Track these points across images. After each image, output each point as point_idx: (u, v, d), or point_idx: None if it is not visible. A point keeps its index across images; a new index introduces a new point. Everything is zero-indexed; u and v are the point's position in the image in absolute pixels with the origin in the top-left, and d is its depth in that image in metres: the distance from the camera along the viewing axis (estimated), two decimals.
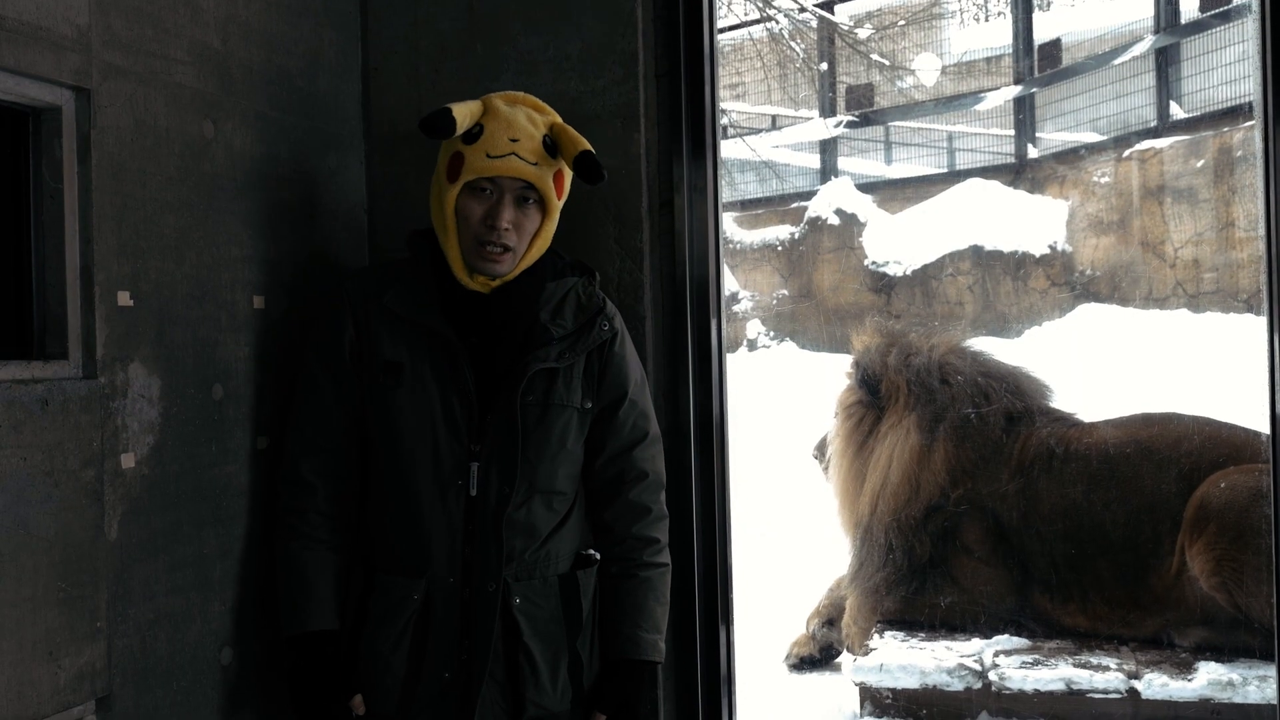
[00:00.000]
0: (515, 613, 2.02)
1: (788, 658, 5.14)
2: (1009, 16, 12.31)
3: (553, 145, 2.03)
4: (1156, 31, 10.32)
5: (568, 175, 2.07)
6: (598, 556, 2.16)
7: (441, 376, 2.02)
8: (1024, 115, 11.49)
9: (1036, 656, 4.35)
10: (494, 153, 1.98)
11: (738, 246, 11.73)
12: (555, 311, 2.09)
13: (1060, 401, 5.04)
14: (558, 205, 2.06)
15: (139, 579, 1.88)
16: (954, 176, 11.74)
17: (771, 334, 11.30)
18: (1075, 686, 4.14)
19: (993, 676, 4.25)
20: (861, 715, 4.40)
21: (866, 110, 12.85)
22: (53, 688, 1.71)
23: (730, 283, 11.48)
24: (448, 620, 2.01)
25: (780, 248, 11.58)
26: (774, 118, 13.52)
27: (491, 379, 2.04)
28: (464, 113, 1.98)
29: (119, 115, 1.86)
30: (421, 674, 2.02)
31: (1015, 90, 11.58)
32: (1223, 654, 4.23)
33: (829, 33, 12.32)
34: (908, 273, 10.61)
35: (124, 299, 1.85)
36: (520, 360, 2.03)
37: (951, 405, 4.86)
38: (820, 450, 5.43)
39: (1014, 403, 4.87)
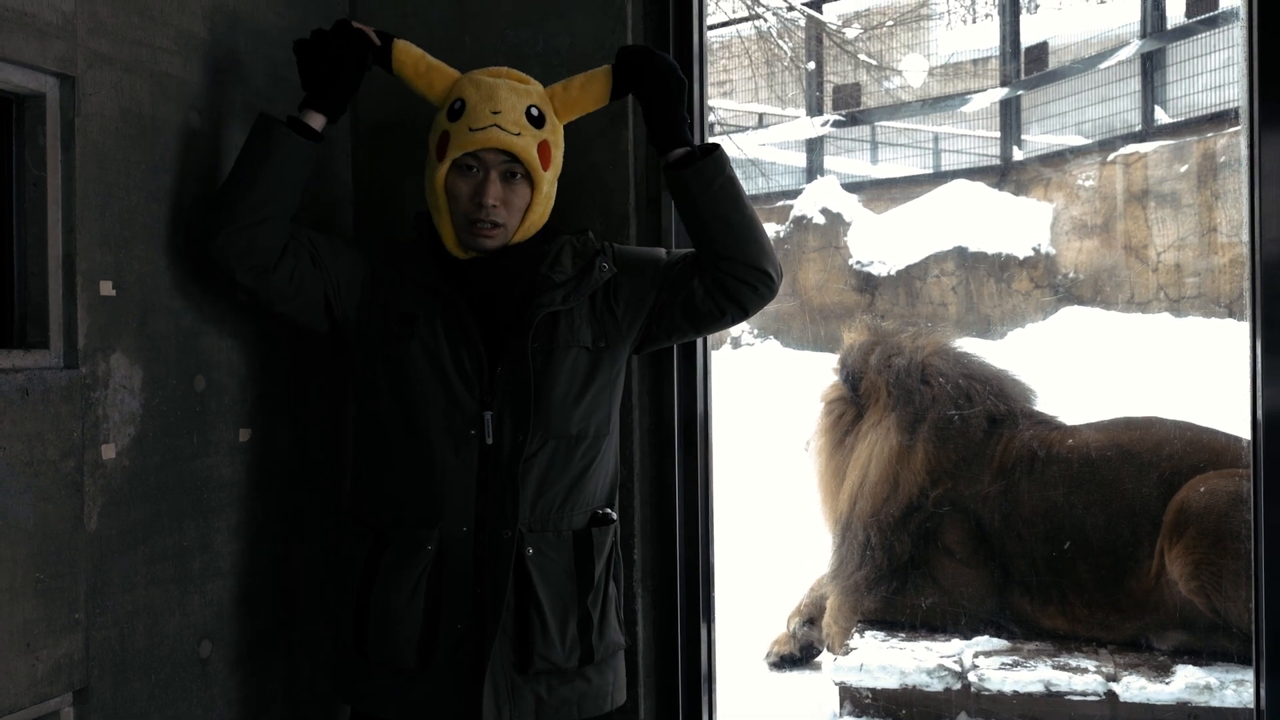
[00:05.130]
0: (528, 563, 2.01)
1: (768, 656, 5.14)
2: (996, 19, 12.33)
3: (539, 117, 2.03)
4: (1143, 36, 10.35)
5: (554, 146, 2.07)
6: (614, 516, 2.15)
7: (451, 330, 2.03)
8: (1010, 117, 11.50)
9: (1016, 658, 4.36)
10: (475, 125, 2.00)
11: None
12: (553, 262, 2.09)
13: (1042, 404, 5.05)
14: (545, 177, 2.05)
15: (118, 571, 1.87)
16: (939, 177, 11.74)
17: (755, 332, 11.30)
18: (1054, 688, 4.16)
19: (972, 677, 4.26)
20: (841, 714, 4.41)
21: (853, 110, 12.84)
22: (30, 679, 1.70)
23: None
24: (461, 570, 2.00)
25: None
26: (761, 116, 13.51)
27: (498, 331, 2.04)
28: (419, 57, 2.10)
29: (104, 103, 1.84)
30: (438, 625, 2.00)
31: (1001, 92, 11.60)
32: (1200, 658, 4.25)
33: (817, 32, 12.32)
34: (892, 273, 10.62)
35: (106, 289, 1.84)
36: (525, 308, 2.04)
37: (932, 406, 4.87)
38: (809, 444, 5.44)
39: (997, 405, 4.87)
